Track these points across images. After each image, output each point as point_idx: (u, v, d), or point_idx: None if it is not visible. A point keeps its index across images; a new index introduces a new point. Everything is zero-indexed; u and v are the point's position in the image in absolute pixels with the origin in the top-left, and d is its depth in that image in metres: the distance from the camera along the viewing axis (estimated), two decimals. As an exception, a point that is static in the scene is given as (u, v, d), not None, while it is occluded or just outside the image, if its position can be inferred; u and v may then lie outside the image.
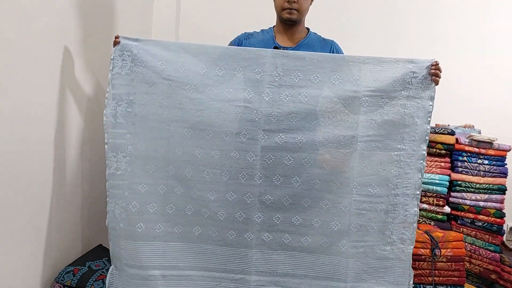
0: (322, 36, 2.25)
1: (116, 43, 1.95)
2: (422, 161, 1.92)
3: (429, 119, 1.91)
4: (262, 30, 2.27)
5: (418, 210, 1.96)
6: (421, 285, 2.17)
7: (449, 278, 2.20)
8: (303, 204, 1.97)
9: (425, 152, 1.93)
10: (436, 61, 1.88)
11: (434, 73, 1.87)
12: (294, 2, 2.07)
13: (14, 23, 1.68)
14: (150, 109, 1.97)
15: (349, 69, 1.90)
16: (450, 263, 2.21)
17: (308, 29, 2.25)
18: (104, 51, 2.41)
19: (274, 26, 2.25)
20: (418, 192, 1.94)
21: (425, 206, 2.61)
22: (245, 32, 2.26)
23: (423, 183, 2.56)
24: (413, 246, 1.98)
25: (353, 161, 1.95)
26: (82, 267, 2.16)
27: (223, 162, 1.96)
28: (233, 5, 2.80)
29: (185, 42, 1.99)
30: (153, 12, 3.23)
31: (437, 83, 1.90)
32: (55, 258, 2.14)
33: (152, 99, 1.96)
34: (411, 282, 1.98)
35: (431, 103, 1.90)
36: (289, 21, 2.13)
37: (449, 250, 2.23)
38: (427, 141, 1.92)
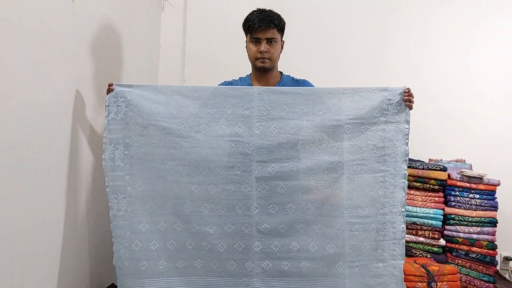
0: (295, 78, 2.45)
1: (109, 90, 2.11)
2: (404, 180, 2.09)
3: (406, 140, 2.08)
4: (240, 78, 2.47)
5: (405, 227, 2.11)
6: None
7: None
8: (299, 230, 2.09)
9: (406, 172, 2.09)
10: (407, 88, 2.08)
11: (407, 99, 2.07)
12: (266, 51, 2.26)
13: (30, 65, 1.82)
14: (146, 150, 2.11)
15: (330, 100, 2.10)
16: None
17: (281, 73, 2.45)
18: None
19: (250, 74, 2.45)
20: (403, 210, 2.08)
21: (421, 239, 2.72)
22: (225, 81, 2.45)
23: (419, 217, 2.72)
24: (403, 261, 2.09)
25: (342, 185, 2.10)
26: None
27: (220, 195, 2.10)
28: (234, 48, 2.99)
29: (176, 85, 2.18)
30: (160, 56, 3.46)
31: (411, 108, 2.09)
32: None
33: (147, 140, 2.10)
34: None
35: (407, 126, 2.09)
36: (263, 69, 2.32)
37: (444, 283, 2.32)
38: (407, 161, 2.09)
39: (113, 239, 2.09)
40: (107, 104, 2.09)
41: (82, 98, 2.24)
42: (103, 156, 2.09)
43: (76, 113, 2.18)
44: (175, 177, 2.10)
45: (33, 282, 1.91)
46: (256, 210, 2.09)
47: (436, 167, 2.80)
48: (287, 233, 2.09)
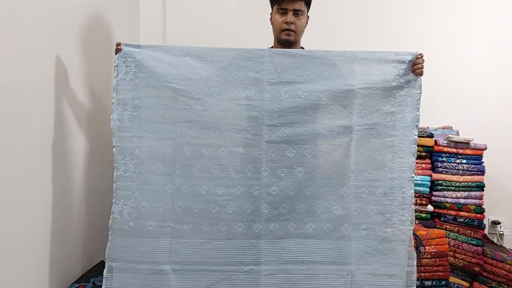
0: None
1: (118, 50, 2.10)
2: (414, 146, 2.14)
3: (418, 106, 2.14)
4: None
5: (413, 192, 2.16)
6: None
7: (434, 273, 2.40)
8: (306, 193, 2.14)
9: (416, 138, 2.14)
10: (420, 54, 2.13)
11: (418, 66, 2.12)
12: (292, 23, 2.27)
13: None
14: (156, 112, 2.12)
15: (342, 65, 2.13)
16: (434, 259, 2.41)
17: (303, 48, 2.45)
18: (95, 57, 2.58)
19: (272, 47, 2.44)
20: (412, 175, 2.14)
21: None
22: None
23: None
24: (413, 227, 2.15)
25: (350, 149, 2.15)
26: (87, 284, 2.27)
27: (230, 158, 2.12)
28: (217, 22, 2.99)
29: (186, 46, 2.14)
30: (140, 32, 3.42)
31: (421, 74, 2.14)
32: (61, 277, 2.24)
33: (158, 102, 2.11)
34: (415, 263, 2.14)
35: (418, 91, 2.14)
36: (287, 42, 2.33)
37: (432, 247, 2.43)
38: (417, 127, 2.14)
39: (114, 200, 2.08)
40: (116, 64, 2.08)
41: (63, 64, 2.23)
42: (111, 116, 2.08)
43: (59, 78, 2.16)
44: (185, 139, 2.11)
45: (24, 263, 1.94)
46: (266, 173, 2.12)
47: (423, 133, 2.87)
48: (296, 196, 2.13)
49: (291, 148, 2.13)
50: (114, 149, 2.08)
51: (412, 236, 2.18)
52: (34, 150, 1.98)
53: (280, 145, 2.12)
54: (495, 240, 3.30)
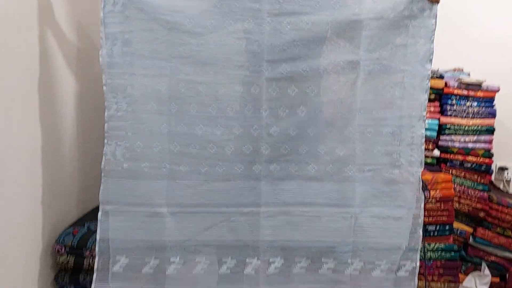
0: None
1: None
2: (427, 82, 1.99)
3: (432, 38, 1.97)
4: None
5: (424, 132, 2.04)
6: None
7: (439, 217, 2.36)
8: (309, 133, 2.05)
9: (429, 73, 1.99)
10: None
11: None
12: None
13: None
14: (149, 47, 1.97)
15: None
16: (439, 204, 2.34)
17: None
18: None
19: None
20: (424, 114, 2.02)
21: None
22: None
23: None
24: (422, 169, 2.04)
25: (356, 86, 2.02)
26: (82, 228, 2.24)
27: (228, 96, 2.01)
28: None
29: None
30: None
31: (437, 1, 1.96)
32: (54, 221, 2.21)
33: (150, 35, 1.97)
34: (422, 205, 2.06)
35: (433, 21, 1.97)
36: None
37: (438, 191, 2.34)
38: (431, 61, 1.99)
39: (106, 141, 1.99)
40: None
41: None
42: (100, 52, 1.95)
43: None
44: (180, 76, 1.99)
45: (16, 207, 1.91)
46: (266, 113, 2.02)
47: (433, 75, 2.71)
48: (297, 136, 2.04)
49: (293, 86, 2.00)
50: (104, 87, 1.97)
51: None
52: (18, 91, 1.90)
53: (281, 83, 2.00)
54: (501, 187, 3.25)
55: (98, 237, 2.00)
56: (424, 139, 2.05)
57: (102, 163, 2.00)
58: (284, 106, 2.03)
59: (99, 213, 2.01)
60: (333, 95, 2.06)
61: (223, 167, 2.06)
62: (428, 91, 2.02)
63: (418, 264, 2.08)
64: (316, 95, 2.03)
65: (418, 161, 2.05)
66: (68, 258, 2.12)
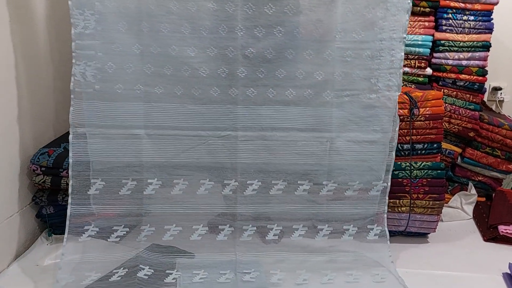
0: None
1: None
2: (409, 0, 1.96)
3: None
4: None
5: (403, 55, 2.05)
6: (399, 145, 2.27)
7: (427, 136, 2.33)
8: (287, 56, 2.02)
9: None
10: None
11: None
12: None
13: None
14: None
15: None
16: (428, 122, 2.32)
17: None
18: None
19: None
20: (404, 36, 2.00)
21: (406, 69, 2.68)
22: None
23: (406, 45, 2.59)
24: (399, 93, 2.08)
25: (336, 6, 1.97)
26: (57, 149, 2.27)
27: (201, 15, 1.95)
28: None
29: None
30: None
31: None
32: (30, 141, 2.26)
33: None
34: (397, 129, 2.13)
35: None
36: None
37: (428, 108, 2.30)
38: None
39: (74, 61, 1.94)
40: None
41: None
42: None
43: None
44: None
45: None
46: (241, 33, 1.97)
47: None
48: (275, 59, 2.02)
49: (270, 4, 1.94)
50: (69, 2, 1.89)
51: (398, 101, 2.15)
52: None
53: (257, 0, 1.93)
54: (493, 107, 3.25)
55: (71, 160, 2.03)
56: (402, 62, 2.06)
57: (71, 84, 1.98)
58: (260, 26, 1.98)
59: (70, 136, 2.02)
60: (312, 15, 2.00)
61: (199, 90, 2.06)
62: (410, 12, 2.00)
63: (389, 184, 2.18)
64: (294, 14, 1.98)
65: (396, 86, 2.08)
66: (44, 178, 2.17)
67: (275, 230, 2.18)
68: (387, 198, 2.19)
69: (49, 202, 2.23)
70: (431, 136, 2.34)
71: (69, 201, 2.02)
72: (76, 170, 2.02)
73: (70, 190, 2.02)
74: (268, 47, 2.00)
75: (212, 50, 2.00)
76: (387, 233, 2.19)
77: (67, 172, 2.08)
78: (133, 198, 2.11)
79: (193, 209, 2.16)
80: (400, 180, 2.29)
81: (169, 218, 2.15)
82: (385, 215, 2.21)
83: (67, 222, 2.01)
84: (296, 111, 2.11)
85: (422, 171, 2.30)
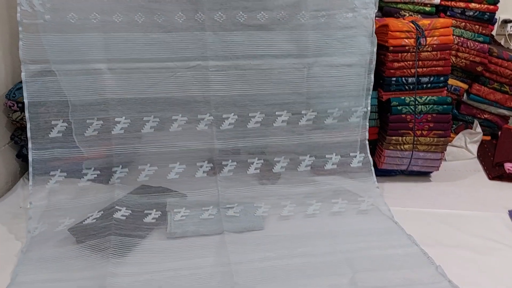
0: None
1: None
2: None
3: None
4: None
5: None
6: (403, 78, 2.09)
7: (434, 68, 2.11)
8: None
9: None
10: None
11: None
12: None
13: None
14: None
15: None
16: (435, 52, 2.08)
17: None
18: None
19: None
20: None
21: None
22: None
23: None
24: (375, 10, 1.94)
25: None
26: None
27: None
28: None
29: None
30: None
31: None
32: (4, 76, 2.02)
33: None
34: (375, 50, 1.99)
35: None
36: None
37: (435, 38, 2.06)
38: None
39: None
40: None
41: None
42: None
43: None
44: None
45: None
46: None
47: None
48: None
49: None
50: None
51: (403, 30, 1.98)
52: None
53: None
54: (502, 42, 2.93)
55: (26, 101, 1.83)
56: None
57: (18, 15, 1.74)
58: None
59: (22, 74, 1.82)
60: None
61: (162, 16, 1.85)
62: None
63: (369, 109, 2.07)
64: None
65: (373, 2, 1.93)
66: (22, 114, 1.96)
67: (256, 163, 2.05)
68: (367, 123, 2.08)
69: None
70: (438, 68, 2.12)
71: (29, 145, 1.85)
72: (34, 111, 1.83)
73: (29, 134, 1.84)
74: None
75: None
76: (371, 159, 2.09)
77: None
78: (101, 139, 1.94)
79: (167, 147, 2.00)
80: (404, 116, 2.08)
81: (142, 158, 1.99)
82: (367, 141, 2.10)
83: (30, 169, 1.85)
84: (269, 36, 1.93)
85: (427, 106, 2.09)
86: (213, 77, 1.94)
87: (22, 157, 2.09)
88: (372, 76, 2.02)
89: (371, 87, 2.03)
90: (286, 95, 2.02)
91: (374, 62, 2.00)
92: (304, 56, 1.96)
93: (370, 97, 2.04)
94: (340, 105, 2.04)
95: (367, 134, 2.08)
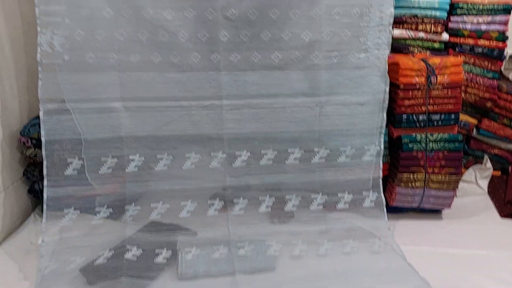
0: None
1: None
2: None
3: None
4: None
5: (393, 11, 1.89)
6: (414, 115, 2.07)
7: (444, 106, 2.09)
8: (271, 16, 1.84)
9: None
10: None
11: None
12: None
13: None
14: None
15: None
16: (446, 90, 2.06)
17: None
18: None
19: None
20: None
21: (421, 34, 2.38)
22: None
23: (421, 8, 2.32)
24: (388, 51, 1.95)
25: None
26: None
27: None
28: None
29: None
30: None
31: None
32: (19, 112, 2.01)
33: None
34: (387, 89, 1.99)
35: None
36: None
37: (446, 76, 2.05)
38: None
39: (39, 29, 1.73)
40: None
41: None
42: None
43: None
44: None
45: None
46: None
47: None
48: (258, 20, 1.83)
49: None
50: None
51: (414, 69, 1.97)
52: None
53: None
54: (510, 77, 2.86)
55: (43, 139, 1.83)
56: (392, 19, 1.91)
57: (38, 55, 1.77)
58: None
59: (40, 113, 1.83)
60: None
61: (178, 56, 1.87)
62: None
63: (382, 147, 2.05)
64: None
65: (386, 43, 1.94)
66: (35, 151, 1.95)
67: (268, 201, 2.02)
68: (381, 162, 2.05)
69: (42, 177, 1.94)
70: (449, 106, 2.10)
71: (45, 183, 1.85)
72: (50, 149, 1.83)
73: (45, 172, 1.84)
74: (251, 6, 1.82)
75: (190, 11, 1.81)
76: (383, 199, 2.06)
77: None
78: (115, 177, 1.93)
79: (180, 185, 1.98)
80: (415, 153, 2.05)
81: (154, 195, 1.97)
82: (380, 180, 2.06)
83: (44, 207, 1.84)
84: (283, 76, 1.94)
85: (438, 143, 2.06)
86: (226, 116, 1.94)
87: (33, 192, 2.07)
88: (385, 114, 2.01)
89: (384, 125, 2.02)
90: (299, 133, 2.01)
91: (387, 101, 2.00)
92: (316, 95, 1.97)
93: (383, 136, 2.04)
94: (353, 143, 2.03)
95: (380, 172, 2.06)
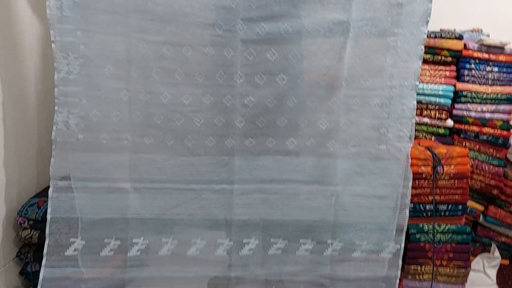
0: None
1: None
2: (421, 46, 1.76)
3: None
4: None
5: (416, 103, 1.82)
6: (421, 205, 2.03)
7: (451, 196, 2.04)
8: (289, 104, 1.80)
9: (425, 36, 1.75)
10: None
11: None
12: None
13: None
14: None
15: None
16: (453, 181, 2.03)
17: None
18: None
19: None
20: (416, 83, 1.79)
21: (426, 120, 2.39)
22: None
23: (425, 95, 2.35)
24: (411, 144, 1.85)
25: (345, 51, 1.74)
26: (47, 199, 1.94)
27: (197, 59, 1.73)
28: None
29: None
30: None
31: None
32: (17, 190, 1.95)
33: None
34: (410, 184, 1.88)
35: None
36: None
37: (452, 167, 2.02)
38: (428, 23, 1.73)
39: (57, 108, 1.71)
40: None
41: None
42: (47, 3, 1.63)
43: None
44: (141, 34, 1.70)
45: None
46: (241, 80, 1.75)
47: (451, 35, 2.30)
48: (276, 108, 1.80)
49: (272, 49, 1.72)
50: (53, 45, 1.67)
51: (420, 158, 1.92)
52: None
53: (259, 45, 1.72)
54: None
55: (49, 216, 1.77)
56: (415, 112, 1.84)
57: (53, 133, 1.75)
58: (261, 73, 1.76)
59: (50, 190, 1.78)
60: (317, 61, 1.79)
61: (192, 140, 1.82)
62: (422, 58, 1.79)
63: (402, 246, 1.92)
64: (299, 60, 1.76)
65: (407, 136, 1.85)
66: (31, 232, 1.88)
67: None
68: (400, 262, 1.92)
69: (35, 259, 1.90)
70: (456, 196, 2.05)
71: (43, 262, 1.75)
72: (55, 227, 1.76)
73: (45, 250, 1.75)
74: (269, 95, 1.78)
75: (208, 97, 1.78)
76: None
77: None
78: (116, 260, 1.84)
79: (182, 272, 1.88)
80: (422, 244, 2.01)
81: (155, 281, 1.87)
82: (397, 282, 1.92)
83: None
84: (297, 162, 1.87)
85: (446, 235, 2.03)
86: (237, 201, 1.86)
87: (25, 274, 1.94)
88: (407, 212, 1.89)
89: (406, 223, 1.89)
90: (312, 222, 1.90)
91: (409, 198, 1.88)
92: (332, 184, 1.87)
93: (404, 233, 1.90)
94: (370, 238, 1.91)
95: (398, 273, 1.92)
